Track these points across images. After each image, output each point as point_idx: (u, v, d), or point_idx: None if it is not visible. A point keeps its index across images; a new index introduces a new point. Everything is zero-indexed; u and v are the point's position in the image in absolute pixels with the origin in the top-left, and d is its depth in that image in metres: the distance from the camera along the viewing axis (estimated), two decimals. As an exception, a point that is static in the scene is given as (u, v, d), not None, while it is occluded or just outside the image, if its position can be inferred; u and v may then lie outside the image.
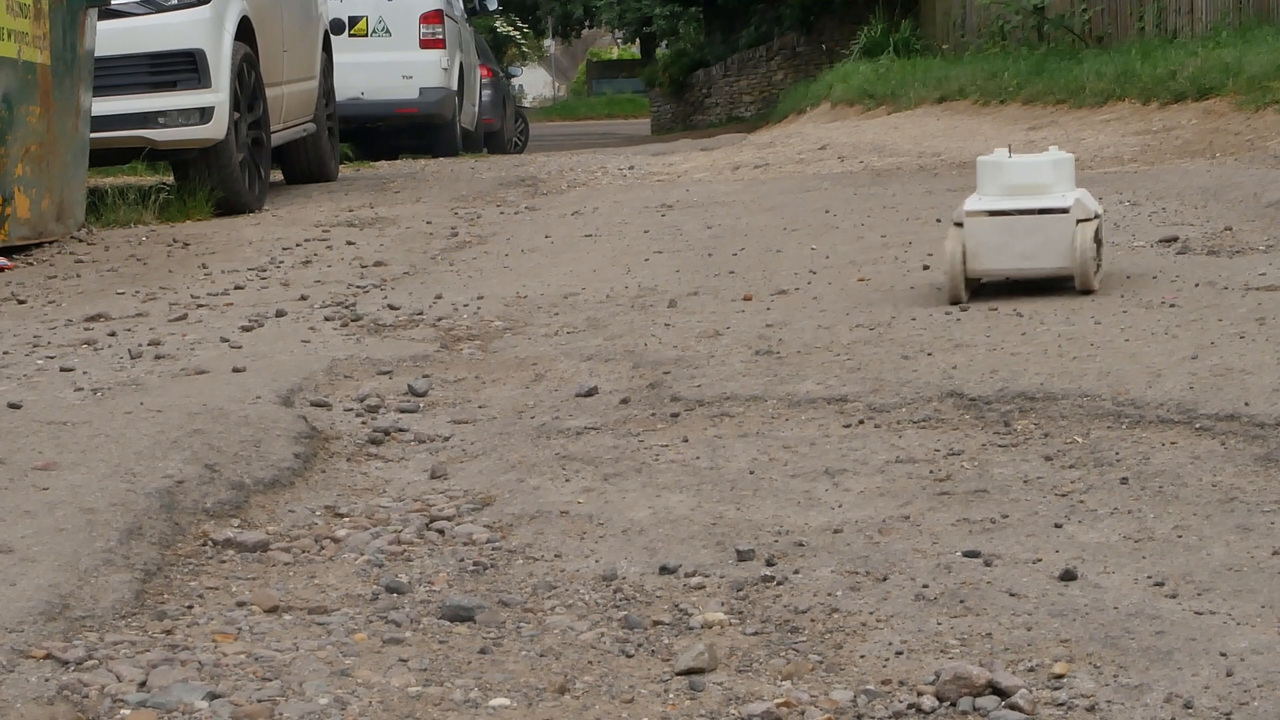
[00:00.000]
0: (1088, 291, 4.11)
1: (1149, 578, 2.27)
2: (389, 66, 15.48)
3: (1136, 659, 1.99)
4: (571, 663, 2.11)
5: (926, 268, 4.91)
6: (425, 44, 15.89)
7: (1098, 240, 4.18)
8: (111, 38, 7.52)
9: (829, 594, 2.30)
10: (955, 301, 4.16)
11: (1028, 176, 4.14)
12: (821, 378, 3.52)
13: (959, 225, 4.13)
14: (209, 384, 3.65)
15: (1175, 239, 5.13)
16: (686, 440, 3.18)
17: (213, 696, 1.94)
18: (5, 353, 4.19)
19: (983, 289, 4.31)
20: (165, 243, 6.78)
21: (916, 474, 2.85)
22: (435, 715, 1.94)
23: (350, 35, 15.06)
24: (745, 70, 26.42)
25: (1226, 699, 1.86)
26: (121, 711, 1.91)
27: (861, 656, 2.08)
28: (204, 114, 7.81)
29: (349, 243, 6.80)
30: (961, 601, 2.22)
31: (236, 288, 5.43)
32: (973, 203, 4.19)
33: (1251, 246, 4.89)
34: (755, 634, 2.19)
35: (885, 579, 2.34)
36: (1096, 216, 4.15)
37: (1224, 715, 1.83)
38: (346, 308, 4.89)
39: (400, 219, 7.89)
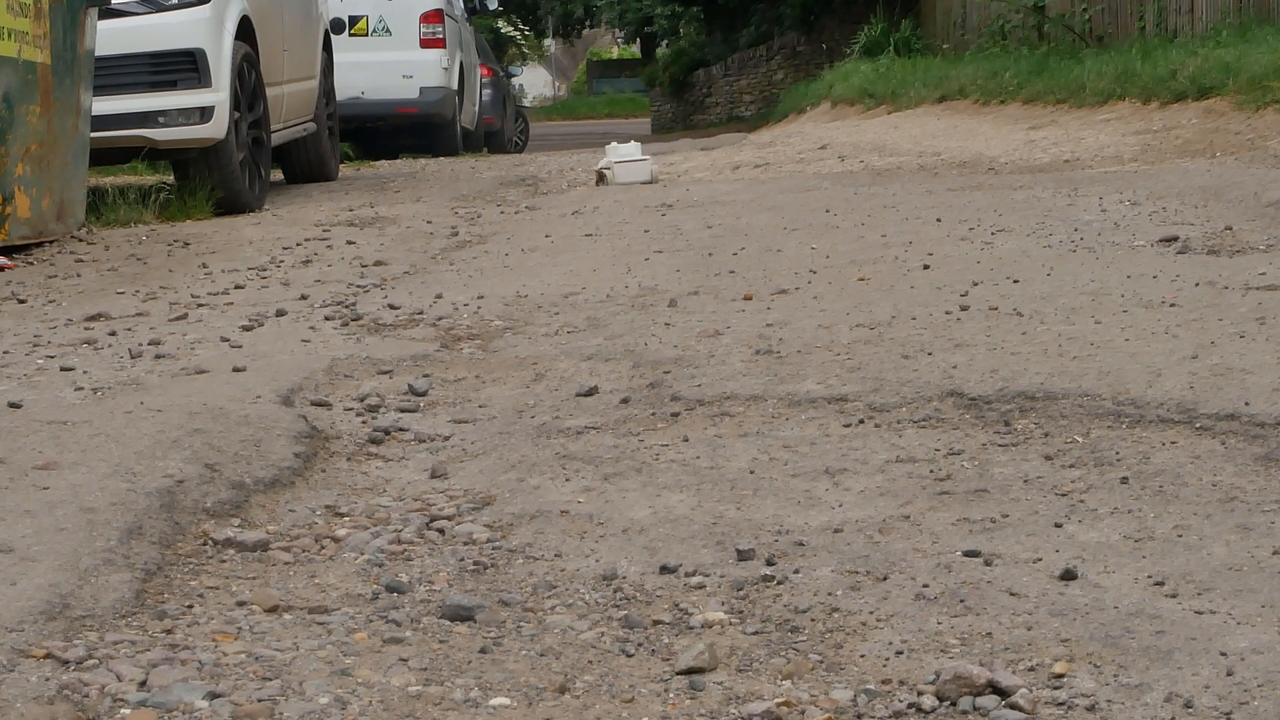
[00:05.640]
0: (654, 183, 9.39)
1: (1149, 577, 2.27)
2: (389, 66, 15.50)
3: (1136, 658, 1.99)
4: (571, 662, 2.11)
5: (927, 267, 4.91)
6: (425, 43, 15.91)
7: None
8: (112, 37, 7.52)
9: (829, 593, 2.30)
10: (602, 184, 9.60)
11: (631, 149, 9.79)
12: (821, 377, 3.52)
13: (609, 168, 9.62)
14: (209, 383, 3.65)
15: (1175, 238, 5.13)
16: (687, 440, 3.18)
17: (213, 696, 1.94)
18: (5, 352, 4.19)
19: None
20: (165, 242, 6.79)
21: (916, 473, 2.85)
22: (435, 715, 1.94)
23: (350, 35, 15.07)
24: (745, 70, 26.42)
25: (1226, 698, 1.86)
26: (121, 711, 1.91)
27: (861, 656, 2.08)
28: (204, 113, 7.82)
29: (349, 242, 6.80)
30: (961, 601, 2.22)
31: (237, 287, 5.43)
32: (609, 159, 9.75)
33: (1252, 246, 4.90)
34: (755, 633, 2.18)
35: (885, 579, 2.34)
36: (652, 159, 10.05)
37: (1224, 715, 1.83)
38: (347, 307, 4.89)
39: (400, 218, 7.90)
